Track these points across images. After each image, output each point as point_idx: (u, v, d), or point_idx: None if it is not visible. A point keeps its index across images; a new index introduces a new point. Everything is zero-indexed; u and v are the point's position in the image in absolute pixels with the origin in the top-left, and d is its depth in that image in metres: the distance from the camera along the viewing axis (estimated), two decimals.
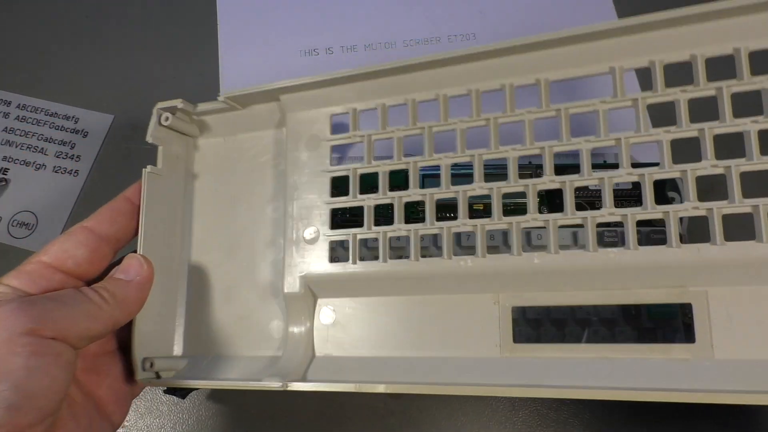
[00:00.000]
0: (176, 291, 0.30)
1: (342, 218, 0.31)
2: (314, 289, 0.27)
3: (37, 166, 0.42)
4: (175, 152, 0.31)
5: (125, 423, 0.35)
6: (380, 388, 0.23)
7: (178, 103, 0.29)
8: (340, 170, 0.27)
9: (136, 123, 0.44)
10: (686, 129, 0.22)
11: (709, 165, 0.21)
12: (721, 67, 0.23)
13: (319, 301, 0.27)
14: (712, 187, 0.22)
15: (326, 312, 0.27)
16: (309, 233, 0.27)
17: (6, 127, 0.44)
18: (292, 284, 0.27)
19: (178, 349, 0.29)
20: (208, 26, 0.47)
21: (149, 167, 0.28)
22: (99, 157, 0.43)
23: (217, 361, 0.28)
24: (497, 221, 0.23)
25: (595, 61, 0.23)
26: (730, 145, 0.22)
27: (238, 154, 0.31)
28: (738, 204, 0.21)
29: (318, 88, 0.28)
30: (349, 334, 0.27)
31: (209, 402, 0.35)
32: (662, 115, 0.23)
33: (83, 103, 0.45)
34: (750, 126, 0.21)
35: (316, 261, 0.27)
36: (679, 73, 0.23)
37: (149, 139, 0.29)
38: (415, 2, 0.48)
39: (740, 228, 0.21)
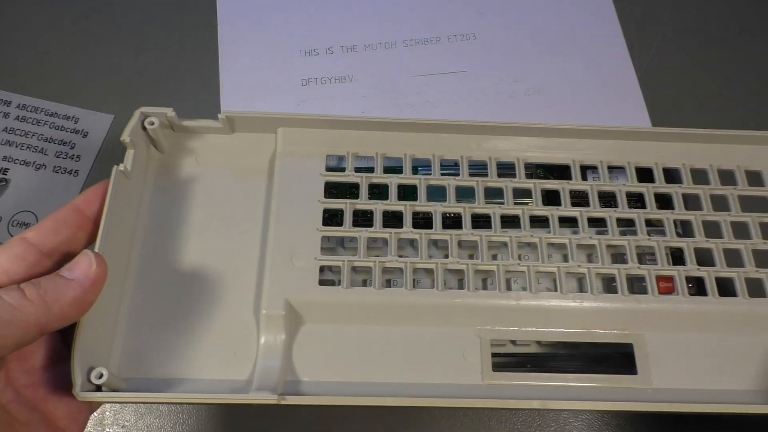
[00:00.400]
0: (135, 300, 0.27)
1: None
2: (299, 311, 0.27)
3: (37, 166, 0.42)
4: (146, 160, 0.29)
5: (125, 423, 0.35)
6: (387, 401, 0.24)
7: (167, 111, 0.28)
8: (334, 203, 0.28)
9: None
10: (626, 212, 0.30)
11: (646, 239, 0.29)
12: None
13: (302, 326, 0.27)
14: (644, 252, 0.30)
15: (308, 337, 0.27)
16: (297, 257, 0.27)
17: (6, 127, 0.44)
18: (273, 305, 0.26)
19: (133, 364, 0.26)
20: (208, 26, 0.47)
21: (121, 165, 0.26)
22: (99, 157, 0.43)
23: (180, 381, 0.26)
24: (485, 263, 0.27)
25: (563, 150, 0.30)
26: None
27: (221, 175, 0.30)
28: (667, 268, 0.28)
29: (317, 128, 0.29)
30: (331, 359, 0.26)
31: None
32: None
33: (83, 103, 0.45)
34: (669, 215, 0.29)
35: (302, 284, 0.26)
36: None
37: (125, 138, 0.27)
38: (415, 2, 0.48)
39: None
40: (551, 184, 0.30)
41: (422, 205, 0.28)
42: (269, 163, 0.30)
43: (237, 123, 0.29)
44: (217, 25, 0.48)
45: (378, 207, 0.28)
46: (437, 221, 0.28)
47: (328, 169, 0.29)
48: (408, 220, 0.28)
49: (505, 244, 0.28)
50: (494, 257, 0.30)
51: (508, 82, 0.44)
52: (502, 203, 0.29)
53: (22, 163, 0.43)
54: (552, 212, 0.29)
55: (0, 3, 0.49)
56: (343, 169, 0.29)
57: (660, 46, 0.45)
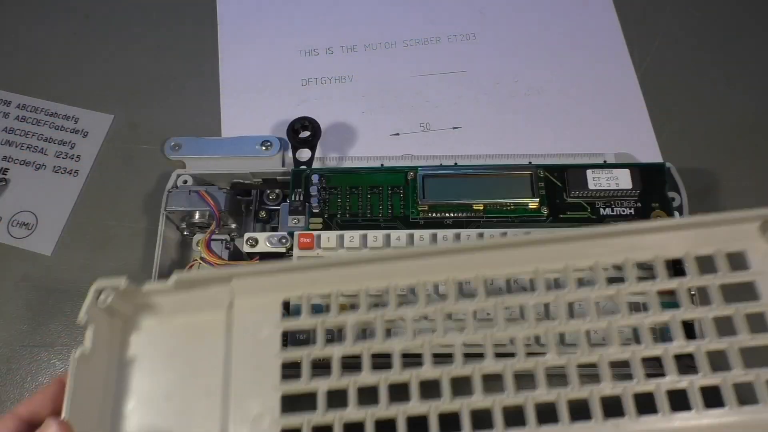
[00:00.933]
0: None
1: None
2: None
3: (37, 166, 0.42)
4: (109, 332, 0.28)
5: None
6: None
7: (120, 283, 0.27)
8: (291, 355, 0.26)
9: (136, 123, 0.44)
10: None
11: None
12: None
13: None
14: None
15: None
16: (258, 420, 0.26)
17: (6, 127, 0.44)
18: None
19: None
20: (208, 26, 0.47)
21: (78, 351, 0.25)
22: (99, 157, 0.43)
23: None
24: (449, 403, 0.25)
25: (522, 263, 0.27)
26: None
27: (181, 335, 0.28)
28: (643, 384, 0.24)
29: (271, 275, 0.27)
30: None
31: None
32: None
33: (83, 103, 0.45)
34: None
35: None
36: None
37: (81, 320, 0.26)
38: (415, 2, 0.48)
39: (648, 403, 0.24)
40: (515, 304, 0.26)
41: (379, 345, 0.26)
42: (227, 316, 0.28)
43: (191, 282, 0.28)
44: (217, 25, 0.48)
45: (335, 352, 0.26)
46: (398, 362, 0.26)
47: (286, 314, 0.28)
48: (367, 363, 0.26)
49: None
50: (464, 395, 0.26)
51: (508, 82, 0.44)
52: (465, 335, 0.26)
53: (22, 163, 0.43)
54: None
55: (0, 3, 0.49)
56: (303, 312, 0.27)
57: (660, 46, 0.45)
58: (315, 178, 0.35)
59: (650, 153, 0.40)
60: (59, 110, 0.44)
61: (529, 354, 0.25)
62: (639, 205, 0.33)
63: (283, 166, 0.38)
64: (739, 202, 0.38)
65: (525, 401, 0.24)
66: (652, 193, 0.33)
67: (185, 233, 0.37)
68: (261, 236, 0.33)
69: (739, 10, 0.46)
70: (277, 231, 0.34)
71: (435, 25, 0.47)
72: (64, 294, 0.38)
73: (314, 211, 0.34)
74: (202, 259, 0.34)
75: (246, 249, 0.33)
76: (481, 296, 0.26)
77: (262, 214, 0.37)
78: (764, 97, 0.43)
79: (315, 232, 0.33)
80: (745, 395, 0.24)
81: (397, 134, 0.42)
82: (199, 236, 0.37)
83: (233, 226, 0.36)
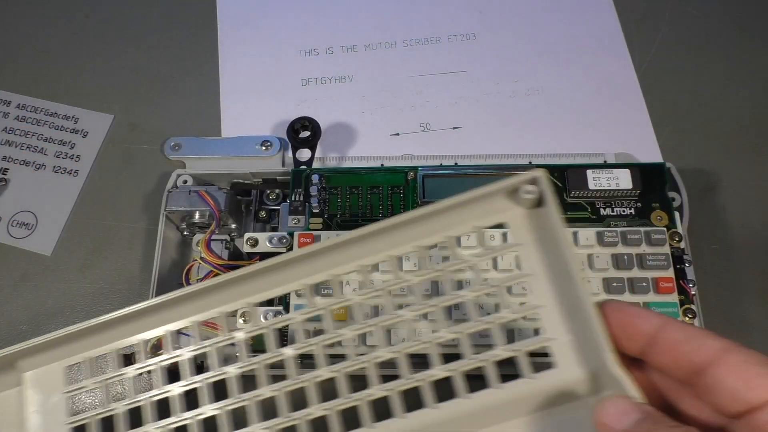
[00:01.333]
0: None
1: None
2: None
3: (37, 166, 0.42)
4: None
5: None
6: None
7: None
8: (78, 420, 0.26)
9: (136, 123, 0.44)
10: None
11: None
12: None
13: None
14: None
15: None
16: None
17: (6, 127, 0.44)
18: None
19: None
20: (208, 26, 0.47)
21: None
22: (99, 157, 0.43)
23: None
24: None
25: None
26: None
27: None
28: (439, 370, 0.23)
29: (52, 349, 0.27)
30: None
31: None
32: None
33: (83, 103, 0.45)
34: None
35: None
36: None
37: None
38: (415, 2, 0.48)
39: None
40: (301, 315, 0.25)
41: (161, 392, 0.25)
42: (18, 394, 0.28)
43: None
44: (217, 25, 0.48)
45: (120, 410, 0.26)
46: (177, 406, 0.25)
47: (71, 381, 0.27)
48: (149, 413, 0.25)
49: None
50: None
51: (508, 82, 0.44)
52: None
53: (22, 163, 0.43)
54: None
55: (1, 3, 0.49)
56: None
57: (660, 46, 0.45)
58: (315, 178, 0.35)
59: (650, 153, 0.40)
60: (59, 110, 0.44)
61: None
62: (639, 205, 0.33)
63: (283, 166, 0.38)
64: (739, 202, 0.39)
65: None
66: (652, 193, 0.33)
67: (185, 233, 0.37)
68: (261, 236, 0.33)
69: (739, 10, 0.46)
70: (277, 231, 0.34)
71: (435, 25, 0.47)
72: (64, 294, 0.38)
73: (314, 211, 0.34)
74: (202, 259, 0.34)
75: (246, 249, 0.33)
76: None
77: (262, 214, 0.37)
78: (764, 97, 0.43)
79: (315, 232, 0.33)
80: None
81: (397, 134, 0.42)
82: (199, 236, 0.37)
83: (233, 226, 0.36)
